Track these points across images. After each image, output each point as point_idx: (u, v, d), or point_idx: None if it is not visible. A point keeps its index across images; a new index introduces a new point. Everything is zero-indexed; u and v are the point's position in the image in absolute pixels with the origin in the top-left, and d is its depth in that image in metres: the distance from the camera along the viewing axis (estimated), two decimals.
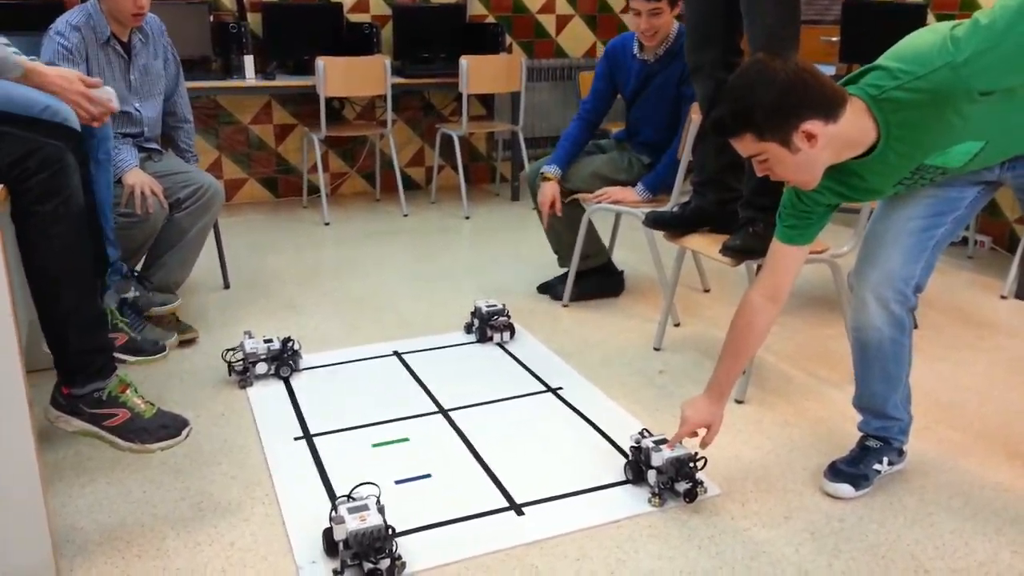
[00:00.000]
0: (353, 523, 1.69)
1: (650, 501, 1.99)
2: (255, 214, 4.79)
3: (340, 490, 2.01)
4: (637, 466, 2.04)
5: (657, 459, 1.97)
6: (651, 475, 1.99)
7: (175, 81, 3.06)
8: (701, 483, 1.99)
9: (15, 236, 1.67)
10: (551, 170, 3.21)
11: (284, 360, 2.62)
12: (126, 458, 2.15)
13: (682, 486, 1.97)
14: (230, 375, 2.60)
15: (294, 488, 2.04)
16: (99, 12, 2.73)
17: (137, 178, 2.71)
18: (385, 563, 1.69)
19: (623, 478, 2.07)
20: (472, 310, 3.01)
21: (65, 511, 1.93)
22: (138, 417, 1.78)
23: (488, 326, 2.92)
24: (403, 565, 1.72)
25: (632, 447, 2.06)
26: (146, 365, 2.23)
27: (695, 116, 2.79)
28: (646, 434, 2.05)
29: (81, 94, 2.05)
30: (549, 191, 3.18)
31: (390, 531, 1.71)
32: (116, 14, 2.73)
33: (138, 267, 2.91)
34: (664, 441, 2.00)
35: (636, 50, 3.15)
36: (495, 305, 2.97)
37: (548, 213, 3.20)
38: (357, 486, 1.88)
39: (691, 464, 1.98)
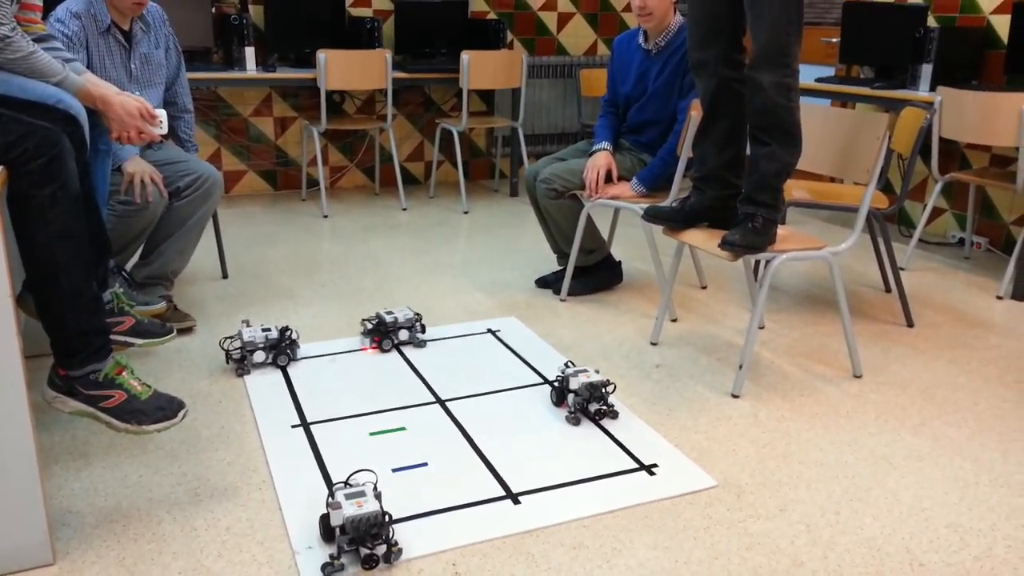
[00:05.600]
0: (350, 509, 1.69)
1: (567, 419, 2.32)
2: (254, 206, 4.79)
3: (337, 477, 2.02)
4: (561, 391, 2.38)
5: (575, 383, 2.31)
6: (570, 398, 2.33)
7: (176, 71, 3.06)
8: (612, 406, 2.34)
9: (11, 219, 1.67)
10: (603, 145, 3.20)
11: (282, 349, 2.62)
12: (122, 443, 2.16)
13: (594, 407, 2.32)
14: (227, 363, 2.60)
15: (291, 475, 2.04)
16: (100, 0, 2.73)
17: (137, 166, 2.71)
18: (381, 549, 1.69)
19: (621, 468, 2.08)
20: (373, 318, 2.82)
21: (61, 494, 1.93)
22: (134, 399, 1.78)
23: (390, 337, 2.78)
24: (399, 551, 1.73)
25: (557, 376, 2.39)
26: (152, 348, 2.22)
27: (695, 113, 2.79)
28: (570, 365, 2.39)
29: (137, 129, 2.08)
30: (603, 159, 3.14)
31: (387, 517, 1.72)
32: (117, 3, 2.72)
33: (135, 257, 2.91)
34: (584, 371, 2.34)
35: (641, 39, 3.19)
36: (397, 313, 2.82)
37: (599, 179, 3.10)
38: (354, 473, 1.88)
39: (603, 388, 2.32)
